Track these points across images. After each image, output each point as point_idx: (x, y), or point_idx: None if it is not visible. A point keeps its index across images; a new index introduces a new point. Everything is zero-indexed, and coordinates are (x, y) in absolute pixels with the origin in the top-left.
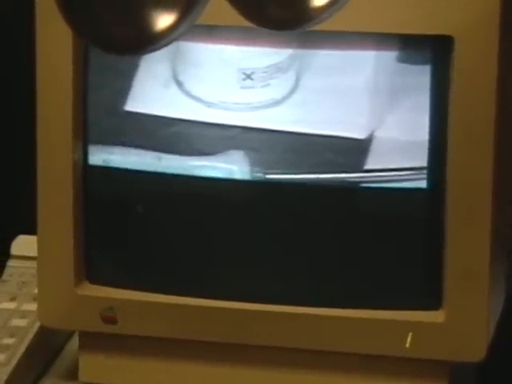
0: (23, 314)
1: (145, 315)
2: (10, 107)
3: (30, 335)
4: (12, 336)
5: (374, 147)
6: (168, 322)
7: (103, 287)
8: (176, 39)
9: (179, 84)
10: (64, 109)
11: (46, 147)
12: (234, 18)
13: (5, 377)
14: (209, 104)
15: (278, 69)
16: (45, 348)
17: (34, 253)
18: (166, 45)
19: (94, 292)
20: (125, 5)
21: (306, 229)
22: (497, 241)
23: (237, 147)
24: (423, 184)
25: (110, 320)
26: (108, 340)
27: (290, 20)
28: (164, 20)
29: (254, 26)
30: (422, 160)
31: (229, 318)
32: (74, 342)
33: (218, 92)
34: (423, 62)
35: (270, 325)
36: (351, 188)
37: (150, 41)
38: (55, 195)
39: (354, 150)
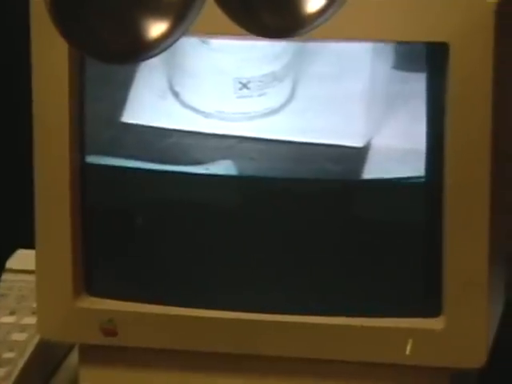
0: (23, 328)
1: (145, 327)
2: (7, 120)
3: (30, 349)
4: (12, 350)
5: (372, 155)
6: (168, 333)
7: (102, 299)
8: (170, 47)
9: (176, 95)
10: (61, 121)
11: (43, 160)
12: (230, 27)
13: None
14: (206, 114)
15: (275, 77)
16: (45, 361)
17: (32, 267)
18: (159, 52)
19: (93, 304)
20: (118, 13)
21: (305, 238)
22: (495, 248)
23: (234, 157)
24: (421, 192)
25: (110, 332)
26: (108, 353)
27: (282, 27)
28: (157, 28)
29: (250, 35)
30: (419, 168)
31: (229, 328)
32: (74, 355)
33: (215, 102)
34: (419, 70)
35: (271, 334)
36: (349, 196)
37: (144, 49)
38: (53, 208)
39: (351, 159)
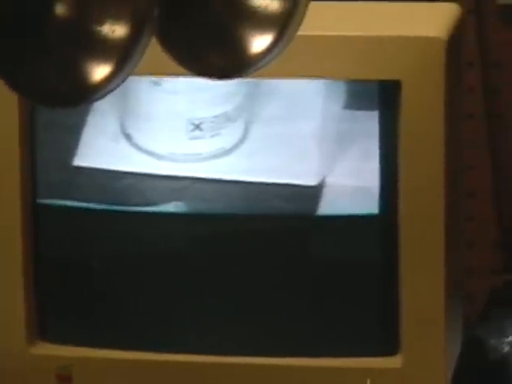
0: None
1: (101, 372)
2: None
3: None
4: None
5: (325, 193)
6: (125, 377)
7: (57, 345)
8: (112, 90)
9: (128, 138)
10: (11, 166)
11: None
12: (180, 68)
13: None
14: (158, 156)
15: (227, 118)
16: None
17: None
18: (102, 96)
19: (47, 351)
20: (61, 58)
21: (258, 277)
22: (452, 285)
23: (188, 198)
24: (375, 229)
25: (66, 379)
26: None
27: (228, 68)
28: (101, 71)
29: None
30: (373, 205)
31: (186, 371)
32: None
33: (168, 144)
34: (371, 108)
35: (229, 376)
36: (303, 235)
37: (88, 92)
38: (5, 253)
39: (304, 197)
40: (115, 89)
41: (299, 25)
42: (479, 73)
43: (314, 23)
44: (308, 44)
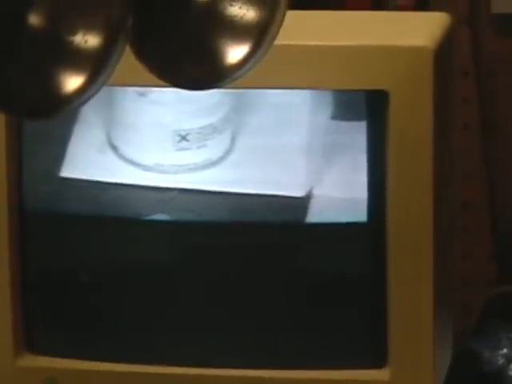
0: None
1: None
2: None
3: None
4: None
5: (312, 205)
6: None
7: (44, 357)
8: (87, 101)
9: (115, 149)
10: None
11: None
12: (159, 80)
13: None
14: (145, 168)
15: (214, 129)
16: None
17: None
18: (76, 107)
19: (34, 362)
20: (33, 69)
21: (246, 289)
22: (442, 297)
23: (174, 209)
24: (363, 241)
25: None
26: None
27: (204, 78)
28: (73, 82)
29: None
30: (361, 216)
31: (174, 382)
32: None
33: (154, 155)
34: (359, 118)
35: None
36: (291, 246)
37: (60, 103)
38: None
39: (291, 209)
40: (90, 99)
41: (276, 34)
42: (474, 83)
43: (301, 32)
44: (295, 54)
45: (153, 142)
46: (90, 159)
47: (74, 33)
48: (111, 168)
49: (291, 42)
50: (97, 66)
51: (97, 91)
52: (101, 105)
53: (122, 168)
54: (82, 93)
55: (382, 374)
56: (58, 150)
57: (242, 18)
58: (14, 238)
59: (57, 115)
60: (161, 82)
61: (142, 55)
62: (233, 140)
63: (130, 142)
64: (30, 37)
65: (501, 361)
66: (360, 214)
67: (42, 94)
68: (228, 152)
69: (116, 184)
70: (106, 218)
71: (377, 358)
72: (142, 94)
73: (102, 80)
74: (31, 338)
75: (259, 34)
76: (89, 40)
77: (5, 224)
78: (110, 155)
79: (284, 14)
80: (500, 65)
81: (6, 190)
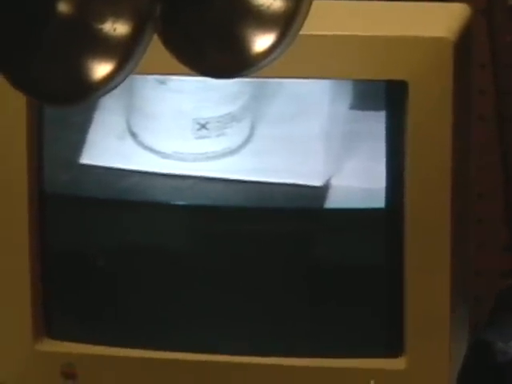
0: None
1: (106, 369)
2: None
3: None
4: None
5: (331, 194)
6: (129, 375)
7: (63, 342)
8: (114, 88)
9: (134, 136)
10: (19, 162)
11: (1, 201)
12: (186, 68)
13: None
14: (164, 155)
15: (233, 118)
16: None
17: None
18: (103, 94)
19: (53, 347)
20: (62, 56)
21: (263, 277)
22: (459, 287)
23: (193, 197)
24: (381, 230)
25: (71, 375)
26: None
27: (230, 67)
28: (101, 70)
29: None
30: (379, 206)
31: (190, 369)
32: None
33: (173, 143)
34: (378, 108)
35: (236, 376)
36: (308, 235)
37: (88, 91)
38: (12, 250)
39: (310, 197)
40: (116, 87)
41: (302, 24)
42: (491, 74)
43: (322, 22)
44: (315, 43)
45: (172, 130)
46: (109, 146)
47: (102, 21)
48: (130, 155)
49: (312, 32)
50: (125, 54)
51: (124, 79)
52: (121, 92)
53: (141, 155)
54: (110, 80)
55: (398, 362)
56: (78, 136)
57: (268, 7)
58: (33, 224)
59: (84, 102)
60: (181, 70)
61: (169, 43)
62: (252, 129)
63: (149, 129)
64: (59, 24)
65: None
66: (378, 203)
67: (70, 81)
68: (247, 141)
69: (135, 171)
70: (125, 204)
71: (393, 347)
72: (162, 82)
73: (129, 68)
74: (50, 323)
75: (285, 24)
76: (118, 28)
77: (25, 209)
78: (130, 142)
79: (310, 4)
80: None
81: (27, 176)
